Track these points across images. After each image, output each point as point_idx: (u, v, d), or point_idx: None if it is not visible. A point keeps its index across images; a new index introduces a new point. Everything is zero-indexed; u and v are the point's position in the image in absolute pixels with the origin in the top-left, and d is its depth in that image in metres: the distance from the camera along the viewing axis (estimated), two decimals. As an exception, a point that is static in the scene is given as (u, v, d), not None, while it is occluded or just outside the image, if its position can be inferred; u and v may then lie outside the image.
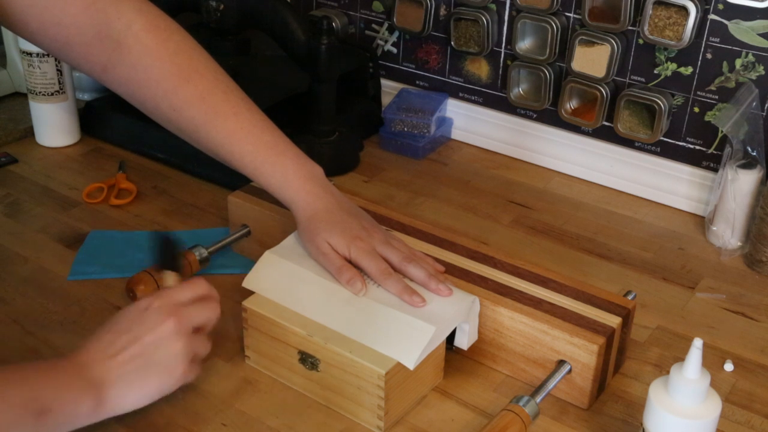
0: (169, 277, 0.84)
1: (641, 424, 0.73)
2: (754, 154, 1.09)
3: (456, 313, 0.84)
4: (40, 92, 1.26)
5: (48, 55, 1.23)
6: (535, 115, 1.31)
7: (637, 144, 1.22)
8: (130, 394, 0.74)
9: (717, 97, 1.14)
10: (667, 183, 1.21)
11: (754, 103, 1.08)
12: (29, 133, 1.33)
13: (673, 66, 1.15)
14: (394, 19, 1.35)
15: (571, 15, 1.20)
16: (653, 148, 1.21)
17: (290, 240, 0.92)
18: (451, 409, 0.84)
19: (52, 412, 0.68)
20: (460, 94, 1.37)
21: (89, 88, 1.41)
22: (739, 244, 1.11)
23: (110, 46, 0.86)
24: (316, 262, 0.88)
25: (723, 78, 1.12)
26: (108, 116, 1.33)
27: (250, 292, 0.88)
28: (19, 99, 1.42)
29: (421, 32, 1.33)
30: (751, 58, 1.09)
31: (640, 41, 1.16)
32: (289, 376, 0.86)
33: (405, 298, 0.83)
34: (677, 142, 1.19)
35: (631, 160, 1.23)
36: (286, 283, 0.87)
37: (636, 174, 1.23)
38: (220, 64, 0.92)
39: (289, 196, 0.90)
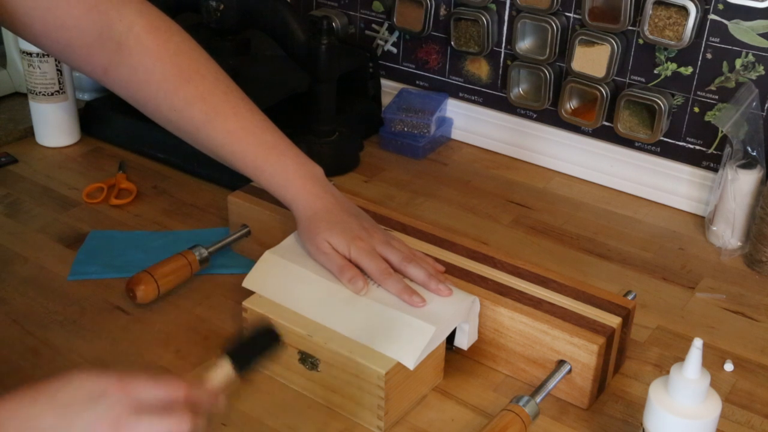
0: (222, 372, 0.64)
1: (641, 424, 0.73)
2: (754, 154, 1.09)
3: (456, 313, 0.84)
4: (40, 92, 1.26)
5: (48, 55, 1.23)
6: (535, 115, 1.31)
7: (637, 144, 1.22)
8: None
9: (717, 97, 1.14)
10: (667, 183, 1.21)
11: (754, 103, 1.08)
12: (29, 133, 1.33)
13: (673, 66, 1.15)
14: (394, 19, 1.35)
15: (571, 15, 1.20)
16: (653, 148, 1.21)
17: (290, 240, 0.92)
18: (451, 409, 0.84)
19: None
20: (460, 94, 1.37)
21: (89, 88, 1.41)
22: (739, 244, 1.11)
23: (111, 47, 0.86)
24: (316, 261, 0.88)
25: (723, 78, 1.12)
26: (108, 116, 1.33)
27: (250, 292, 0.88)
28: (19, 99, 1.42)
29: (421, 32, 1.33)
30: (751, 58, 1.09)
31: (640, 41, 1.16)
32: (289, 376, 0.86)
33: (405, 298, 0.83)
34: (677, 142, 1.19)
35: (631, 160, 1.23)
36: (286, 283, 0.87)
37: (636, 174, 1.23)
38: (220, 64, 0.93)
39: (289, 196, 0.90)
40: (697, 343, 0.68)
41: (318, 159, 0.95)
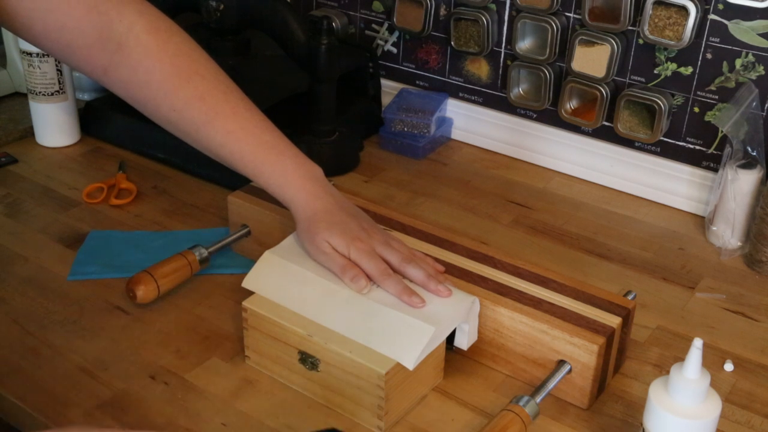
0: None
1: (641, 424, 0.73)
2: (754, 154, 1.09)
3: (455, 313, 0.84)
4: (40, 92, 1.26)
5: (48, 55, 1.23)
6: (535, 115, 1.31)
7: (637, 144, 1.22)
8: None
9: (717, 97, 1.14)
10: (667, 183, 1.21)
11: (754, 103, 1.08)
12: (29, 133, 1.33)
13: (673, 66, 1.15)
14: (394, 19, 1.35)
15: (571, 15, 1.20)
16: (653, 148, 1.21)
17: (290, 240, 0.92)
18: (451, 409, 0.84)
19: None
20: (460, 94, 1.37)
21: (89, 88, 1.41)
22: (739, 244, 1.11)
23: (111, 48, 0.86)
24: (316, 262, 0.88)
25: (723, 78, 1.12)
26: (108, 116, 1.33)
27: (250, 292, 0.88)
28: (19, 99, 1.42)
29: (421, 32, 1.33)
30: (751, 58, 1.09)
31: (640, 41, 1.16)
32: (289, 376, 0.86)
33: (404, 299, 0.83)
34: (677, 142, 1.19)
35: (631, 160, 1.23)
36: (285, 283, 0.87)
37: (636, 174, 1.23)
38: (220, 64, 0.92)
39: (288, 196, 0.90)
40: (697, 343, 0.68)
41: (318, 159, 0.95)
